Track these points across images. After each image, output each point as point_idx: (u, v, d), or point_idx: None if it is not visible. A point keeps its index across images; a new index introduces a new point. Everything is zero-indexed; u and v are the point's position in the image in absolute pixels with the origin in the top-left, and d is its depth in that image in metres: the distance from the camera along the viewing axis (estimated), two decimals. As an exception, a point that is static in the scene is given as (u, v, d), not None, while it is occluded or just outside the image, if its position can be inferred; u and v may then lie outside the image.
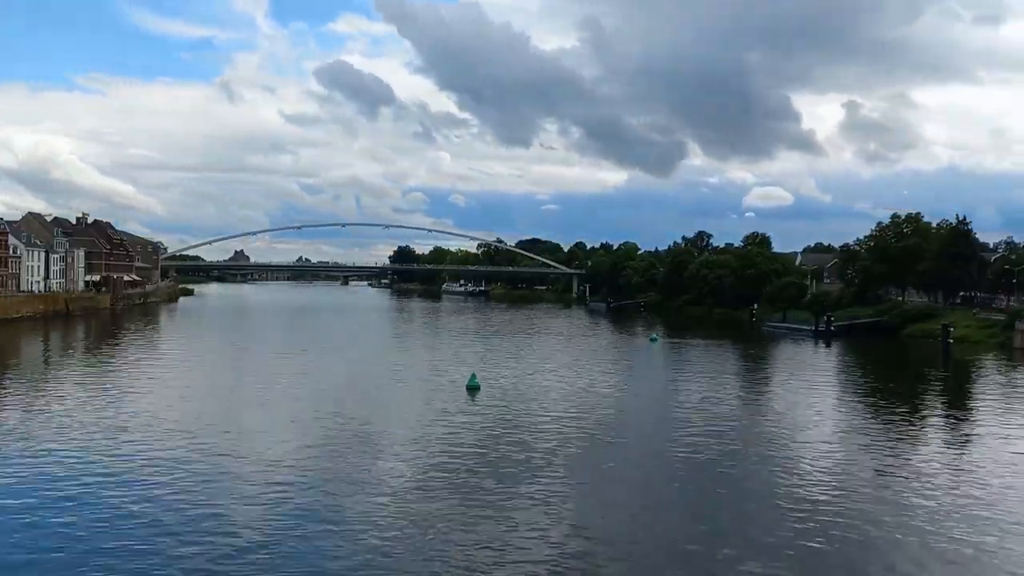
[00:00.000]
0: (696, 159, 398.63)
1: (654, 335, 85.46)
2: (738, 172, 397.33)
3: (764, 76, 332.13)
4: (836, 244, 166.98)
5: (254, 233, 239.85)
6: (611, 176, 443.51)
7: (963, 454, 32.17)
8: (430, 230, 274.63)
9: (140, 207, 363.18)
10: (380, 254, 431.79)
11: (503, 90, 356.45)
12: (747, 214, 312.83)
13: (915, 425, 38.03)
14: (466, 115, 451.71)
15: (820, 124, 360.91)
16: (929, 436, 35.63)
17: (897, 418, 39.21)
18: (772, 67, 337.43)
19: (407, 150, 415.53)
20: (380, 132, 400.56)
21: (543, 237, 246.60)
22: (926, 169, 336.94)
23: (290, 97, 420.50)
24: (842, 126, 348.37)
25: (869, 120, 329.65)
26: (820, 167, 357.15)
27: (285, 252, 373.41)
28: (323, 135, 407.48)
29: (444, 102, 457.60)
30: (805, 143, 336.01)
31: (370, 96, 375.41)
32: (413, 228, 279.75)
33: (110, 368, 53.77)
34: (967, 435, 36.47)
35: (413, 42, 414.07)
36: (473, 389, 43.65)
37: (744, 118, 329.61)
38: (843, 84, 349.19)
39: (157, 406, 37.88)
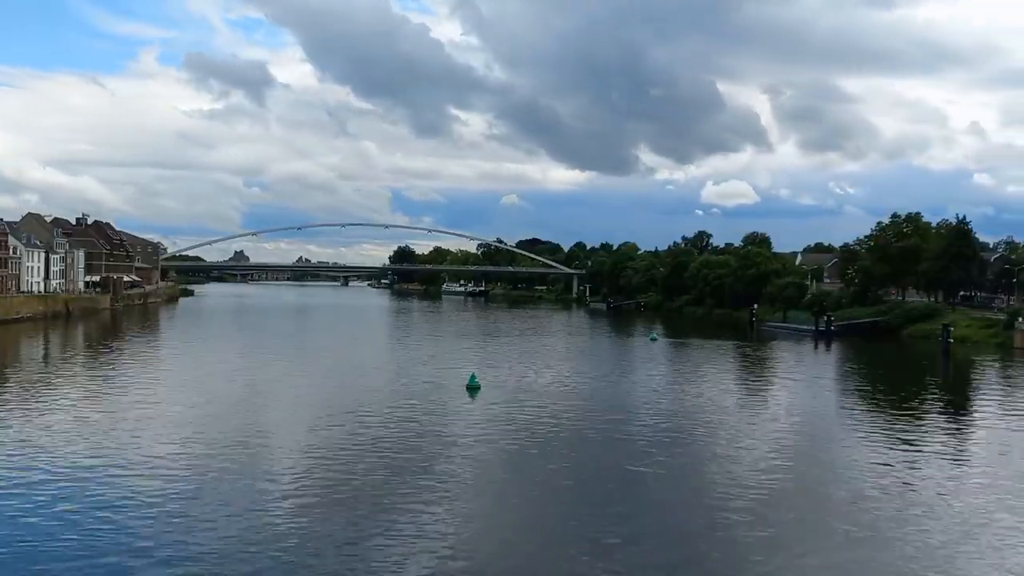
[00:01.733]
0: (644, 155, 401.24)
1: (653, 335, 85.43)
2: (672, 164, 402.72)
3: (670, 63, 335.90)
4: (803, 242, 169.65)
5: (254, 233, 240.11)
6: (560, 173, 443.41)
7: (963, 454, 32.19)
8: (430, 230, 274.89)
9: (107, 205, 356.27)
10: (367, 253, 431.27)
11: (400, 78, 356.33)
12: (712, 210, 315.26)
13: (915, 425, 37.99)
14: (367, 105, 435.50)
15: (749, 115, 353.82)
16: (929, 436, 35.57)
17: (897, 418, 39.18)
18: (672, 53, 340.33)
19: (326, 143, 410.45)
20: (291, 124, 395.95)
21: (504, 236, 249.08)
22: (884, 165, 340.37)
23: (187, 92, 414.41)
24: (775, 116, 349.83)
25: (799, 110, 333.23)
26: (771, 162, 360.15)
27: (276, 252, 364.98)
28: (237, 130, 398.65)
29: (340, 92, 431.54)
30: (741, 135, 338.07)
31: (251, 85, 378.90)
32: (412, 228, 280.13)
33: (106, 371, 53.72)
34: (967, 435, 36.51)
35: (292, 29, 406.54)
36: (473, 389, 43.63)
37: (665, 107, 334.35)
38: (757, 73, 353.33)
39: (150, 409, 37.80)
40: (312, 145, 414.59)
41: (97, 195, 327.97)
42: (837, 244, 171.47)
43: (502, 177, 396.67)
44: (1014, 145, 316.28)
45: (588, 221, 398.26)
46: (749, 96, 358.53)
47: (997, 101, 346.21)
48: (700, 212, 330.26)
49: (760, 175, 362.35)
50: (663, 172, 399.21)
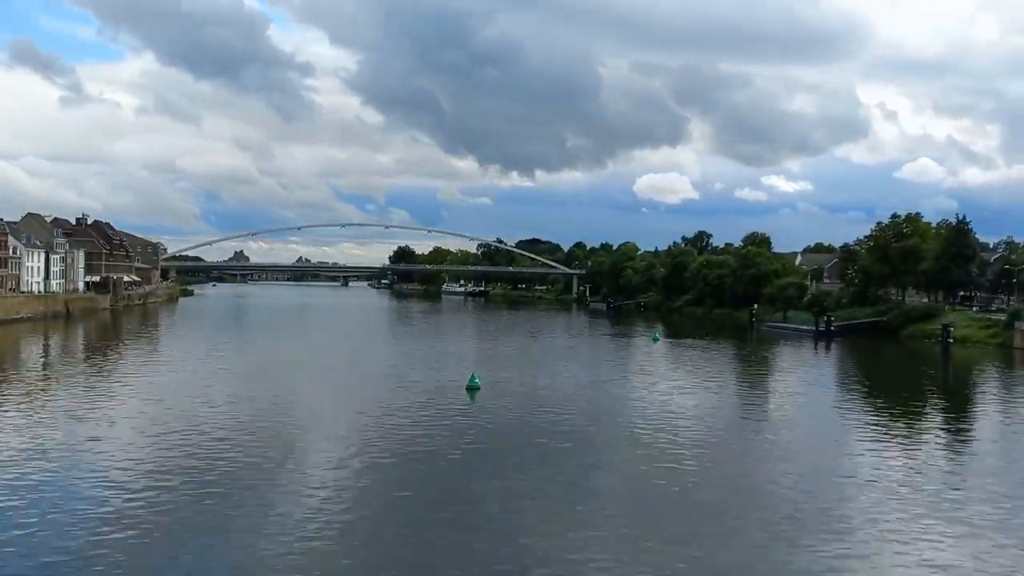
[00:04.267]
0: (569, 145, 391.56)
1: (655, 334, 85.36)
2: (591, 158, 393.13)
3: (508, 40, 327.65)
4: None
5: (253, 234, 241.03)
6: (474, 165, 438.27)
7: (962, 454, 32.18)
8: (430, 230, 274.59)
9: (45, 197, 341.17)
10: (348, 252, 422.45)
11: (227, 58, 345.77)
12: (661, 208, 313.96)
13: (914, 425, 38.02)
14: (206, 87, 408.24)
15: (640, 102, 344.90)
16: (928, 436, 35.62)
17: (896, 418, 39.20)
18: (506, 30, 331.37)
19: (199, 130, 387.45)
20: (142, 111, 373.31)
21: (486, 234, 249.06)
22: (812, 158, 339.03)
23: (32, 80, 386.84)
24: (677, 102, 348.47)
25: (689, 95, 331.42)
26: (692, 155, 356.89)
27: (259, 252, 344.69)
28: (87, 117, 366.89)
29: (168, 73, 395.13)
30: (645, 124, 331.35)
31: (58, 69, 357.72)
32: (413, 228, 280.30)
33: (104, 372, 53.72)
34: (966, 435, 36.47)
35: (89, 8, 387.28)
36: (473, 390, 43.58)
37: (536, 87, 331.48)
38: (614, 55, 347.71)
39: (145, 410, 37.76)
40: (187, 133, 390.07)
41: (28, 187, 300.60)
42: (799, 241, 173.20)
43: (431, 173, 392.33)
44: (932, 135, 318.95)
45: (540, 216, 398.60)
46: (624, 80, 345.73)
47: (900, 90, 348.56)
48: (645, 210, 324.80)
49: (690, 169, 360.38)
50: (583, 168, 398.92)
